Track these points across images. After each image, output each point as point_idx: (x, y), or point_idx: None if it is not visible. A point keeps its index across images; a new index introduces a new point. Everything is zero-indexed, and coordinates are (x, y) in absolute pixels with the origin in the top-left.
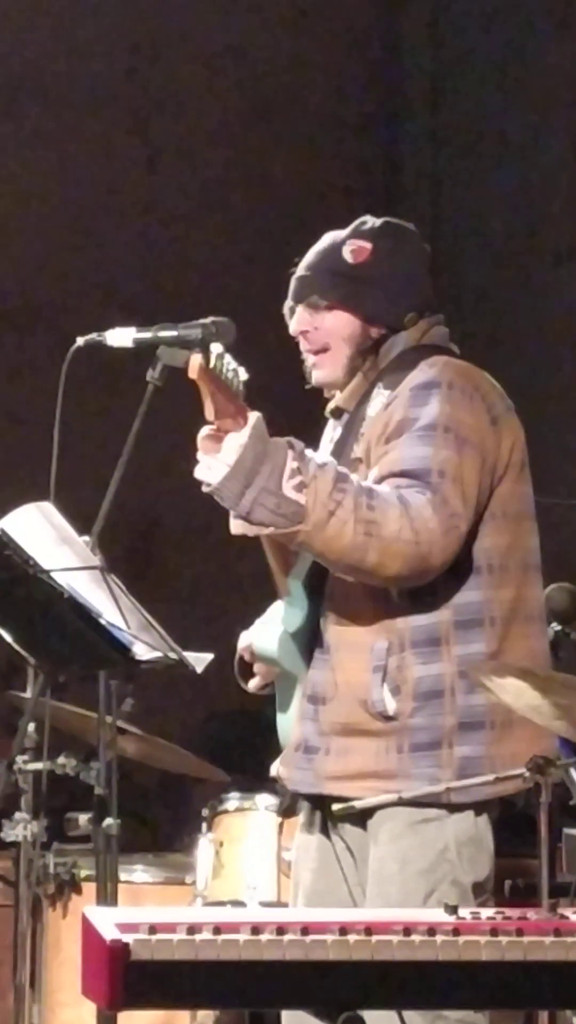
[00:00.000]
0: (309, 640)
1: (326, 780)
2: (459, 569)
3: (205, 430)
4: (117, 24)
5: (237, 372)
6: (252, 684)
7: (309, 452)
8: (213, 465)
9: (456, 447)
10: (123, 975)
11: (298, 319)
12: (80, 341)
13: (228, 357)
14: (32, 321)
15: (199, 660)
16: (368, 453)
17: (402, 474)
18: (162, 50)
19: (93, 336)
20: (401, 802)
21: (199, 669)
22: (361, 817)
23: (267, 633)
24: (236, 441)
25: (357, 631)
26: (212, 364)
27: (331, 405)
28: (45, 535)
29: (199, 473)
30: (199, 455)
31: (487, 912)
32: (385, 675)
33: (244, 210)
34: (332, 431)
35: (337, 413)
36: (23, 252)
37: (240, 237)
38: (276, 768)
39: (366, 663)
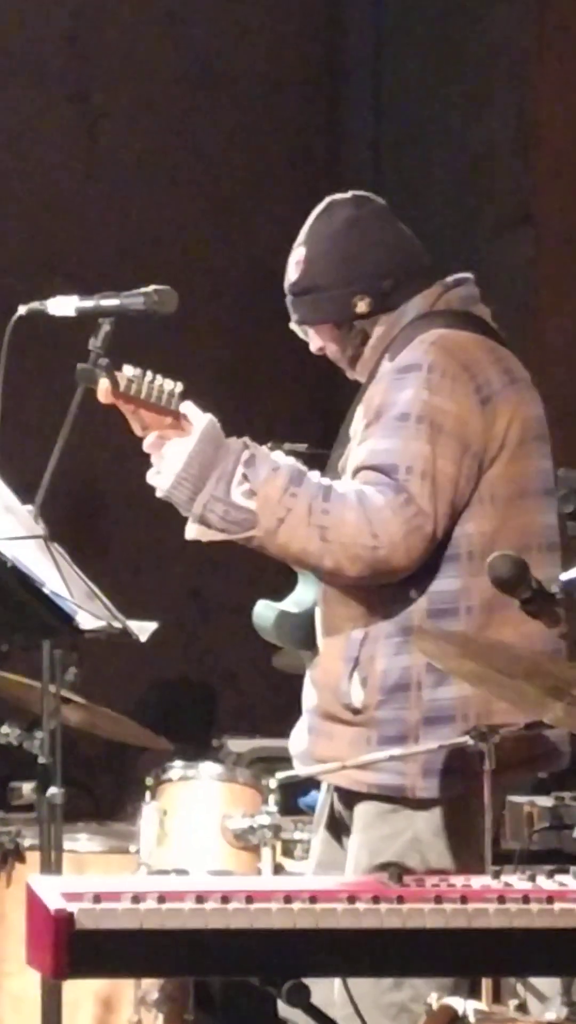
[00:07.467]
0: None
1: (314, 760)
2: (438, 557)
3: (151, 436)
4: None
5: (162, 386)
6: None
7: (263, 454)
8: (163, 471)
9: (429, 438)
10: (68, 944)
11: (311, 341)
12: (22, 310)
13: (149, 374)
14: None
15: (143, 629)
16: (357, 434)
17: (372, 468)
18: (103, 16)
19: (35, 305)
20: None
21: (143, 638)
22: (349, 803)
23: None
24: (182, 448)
25: (341, 618)
26: (122, 388)
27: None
28: None
29: (150, 478)
30: (152, 459)
31: (431, 880)
32: (356, 666)
33: (186, 176)
34: None
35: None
36: None
37: (182, 203)
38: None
39: (342, 652)
